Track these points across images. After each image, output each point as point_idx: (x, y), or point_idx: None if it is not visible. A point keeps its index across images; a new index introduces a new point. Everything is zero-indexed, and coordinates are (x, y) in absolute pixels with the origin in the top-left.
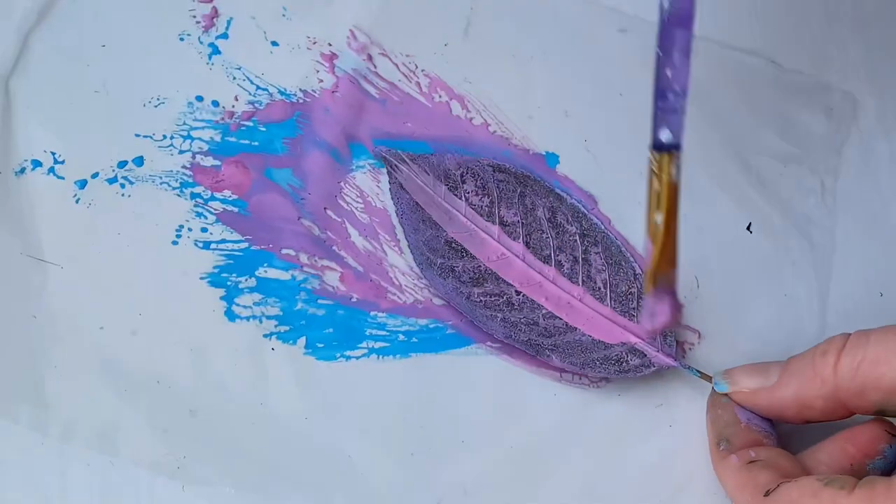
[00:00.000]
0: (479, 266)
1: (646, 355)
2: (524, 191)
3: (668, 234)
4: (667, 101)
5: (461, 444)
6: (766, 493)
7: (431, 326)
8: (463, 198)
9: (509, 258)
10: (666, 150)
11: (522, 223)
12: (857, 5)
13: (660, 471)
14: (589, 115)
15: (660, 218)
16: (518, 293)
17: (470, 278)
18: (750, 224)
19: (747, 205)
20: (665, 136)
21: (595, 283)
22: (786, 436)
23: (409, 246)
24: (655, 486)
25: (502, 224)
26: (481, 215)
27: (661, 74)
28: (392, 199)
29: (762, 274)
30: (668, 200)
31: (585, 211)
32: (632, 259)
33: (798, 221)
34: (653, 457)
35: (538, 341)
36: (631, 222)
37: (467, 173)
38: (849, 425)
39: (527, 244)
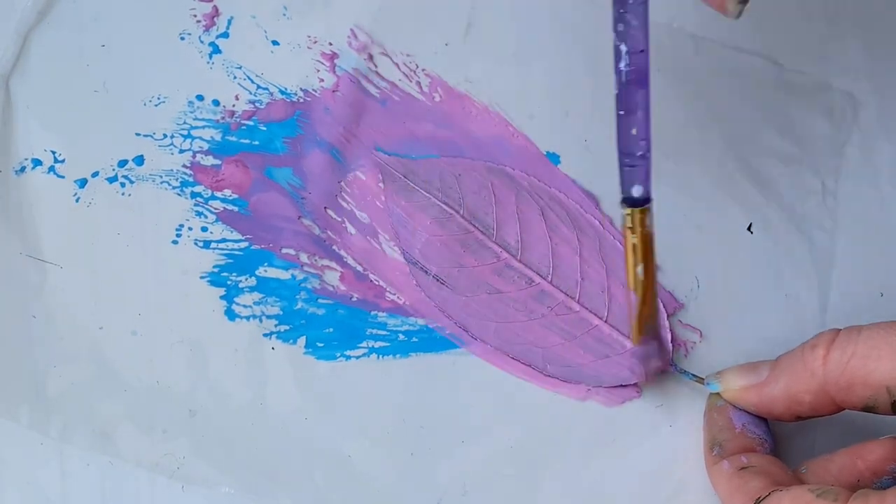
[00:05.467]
0: (476, 271)
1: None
2: (520, 192)
3: (648, 283)
4: (634, 157)
5: (461, 444)
6: (758, 501)
7: (432, 326)
8: (461, 199)
9: (507, 259)
10: (639, 205)
11: (520, 224)
12: (857, 5)
13: (659, 471)
14: (589, 115)
15: (640, 269)
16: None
17: (466, 285)
18: (751, 224)
19: (748, 205)
20: (637, 191)
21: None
22: (788, 441)
23: (402, 253)
24: (655, 487)
25: (500, 225)
26: (479, 216)
27: (625, 134)
28: (388, 204)
29: (762, 274)
30: (644, 252)
31: (584, 212)
32: None
33: (799, 222)
34: (653, 457)
35: (533, 350)
36: None
37: (464, 175)
38: (865, 438)
39: (525, 245)
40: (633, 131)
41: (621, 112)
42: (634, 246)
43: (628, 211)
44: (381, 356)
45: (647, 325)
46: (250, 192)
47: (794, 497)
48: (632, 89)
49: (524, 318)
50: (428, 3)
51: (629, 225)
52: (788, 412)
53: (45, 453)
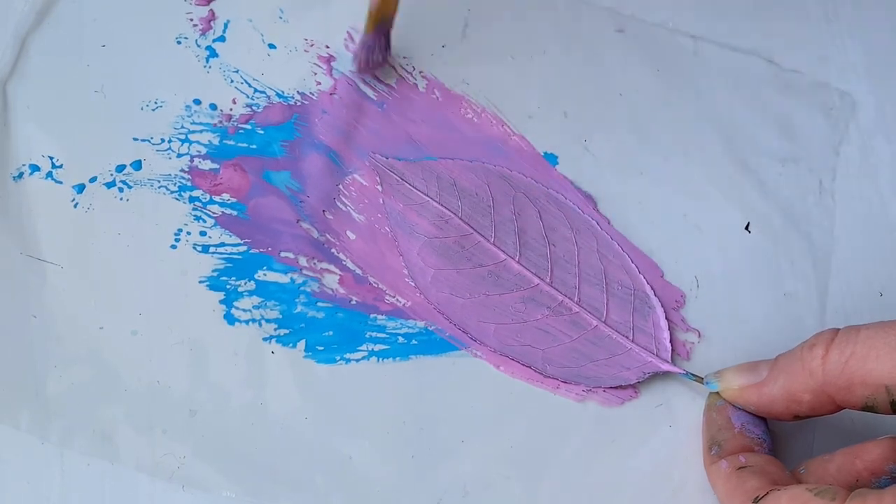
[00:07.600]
0: (474, 273)
1: (639, 361)
2: (518, 193)
3: None
4: None
5: (461, 444)
6: (756, 500)
7: (431, 328)
8: (458, 201)
9: (506, 261)
10: None
11: (518, 225)
12: (856, 5)
13: (659, 471)
14: (588, 115)
15: None
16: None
17: (464, 287)
18: (749, 224)
19: (746, 204)
20: None
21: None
22: (786, 441)
23: (401, 254)
24: (655, 487)
25: (498, 226)
26: (477, 218)
27: None
28: (385, 207)
29: (762, 274)
30: None
31: (581, 212)
32: (629, 259)
33: (797, 221)
34: (652, 457)
35: (532, 351)
36: (630, 222)
37: (462, 176)
38: (864, 438)
39: (523, 246)
40: None
41: None
42: None
43: None
44: (380, 359)
45: (382, 21)
46: (249, 196)
47: (792, 496)
48: None
49: (523, 319)
50: (425, 5)
51: None
52: (787, 412)
53: (45, 455)
